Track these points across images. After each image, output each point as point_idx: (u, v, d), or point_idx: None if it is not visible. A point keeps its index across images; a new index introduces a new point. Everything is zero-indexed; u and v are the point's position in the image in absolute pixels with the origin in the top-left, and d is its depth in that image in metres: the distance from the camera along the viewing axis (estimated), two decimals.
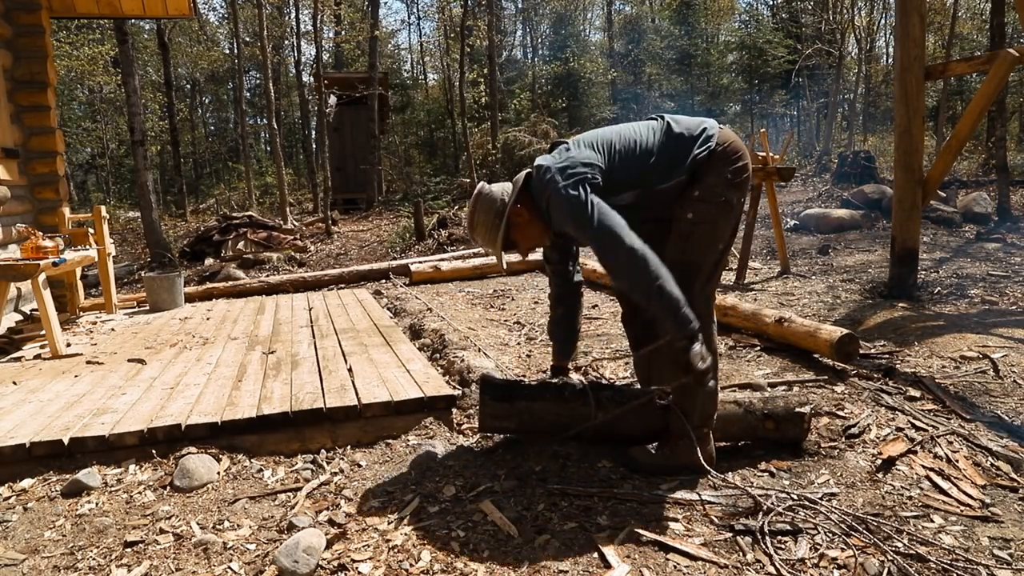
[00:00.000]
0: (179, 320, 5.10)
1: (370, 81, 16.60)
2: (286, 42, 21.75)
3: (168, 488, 2.38)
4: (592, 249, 2.21)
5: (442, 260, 8.03)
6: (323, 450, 2.69)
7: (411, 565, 1.84)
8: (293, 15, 18.48)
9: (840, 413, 2.80)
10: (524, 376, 3.50)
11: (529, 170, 2.32)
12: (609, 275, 2.20)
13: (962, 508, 2.10)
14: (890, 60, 22.82)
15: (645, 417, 2.48)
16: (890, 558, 1.83)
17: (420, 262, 8.01)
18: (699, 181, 2.21)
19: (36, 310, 4.88)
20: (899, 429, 2.61)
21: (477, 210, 2.32)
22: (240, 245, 10.94)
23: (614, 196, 2.18)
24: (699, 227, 2.22)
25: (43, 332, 4.26)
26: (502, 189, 2.32)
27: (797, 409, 2.49)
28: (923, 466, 2.35)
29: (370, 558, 1.89)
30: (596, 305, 5.32)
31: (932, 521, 2.04)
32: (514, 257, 2.41)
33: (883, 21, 21.18)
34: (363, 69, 19.93)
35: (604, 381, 3.20)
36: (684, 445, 2.32)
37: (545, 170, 2.20)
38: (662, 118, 2.32)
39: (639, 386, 2.64)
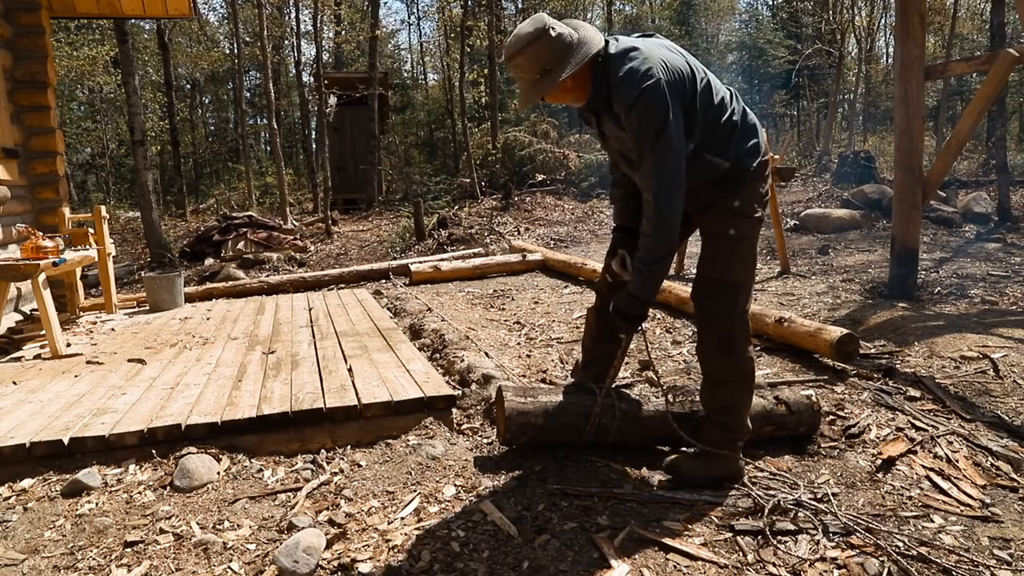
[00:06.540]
0: (179, 320, 5.10)
1: (370, 81, 16.60)
2: (286, 42, 21.73)
3: (168, 488, 2.38)
4: (641, 170, 2.02)
5: (442, 260, 8.03)
6: (323, 450, 2.68)
7: (411, 565, 1.84)
8: (293, 15, 18.47)
9: (840, 413, 2.80)
10: (524, 375, 3.50)
11: (602, 44, 2.02)
12: (644, 204, 2.03)
13: (962, 508, 2.11)
14: (890, 60, 22.82)
15: (663, 423, 2.41)
16: (891, 558, 1.84)
17: (420, 262, 8.00)
18: (738, 192, 2.12)
19: (36, 310, 4.88)
20: (899, 429, 2.61)
21: (539, 46, 1.96)
22: (240, 245, 10.94)
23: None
24: (742, 244, 2.15)
25: (43, 332, 4.26)
26: (571, 34, 1.99)
27: (803, 391, 2.55)
28: (923, 466, 2.35)
29: (370, 558, 1.89)
30: None
31: (932, 521, 2.04)
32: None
33: (883, 21, 21.18)
34: (363, 69, 19.93)
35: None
36: (722, 457, 2.27)
37: (644, 60, 1.94)
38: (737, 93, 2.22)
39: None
